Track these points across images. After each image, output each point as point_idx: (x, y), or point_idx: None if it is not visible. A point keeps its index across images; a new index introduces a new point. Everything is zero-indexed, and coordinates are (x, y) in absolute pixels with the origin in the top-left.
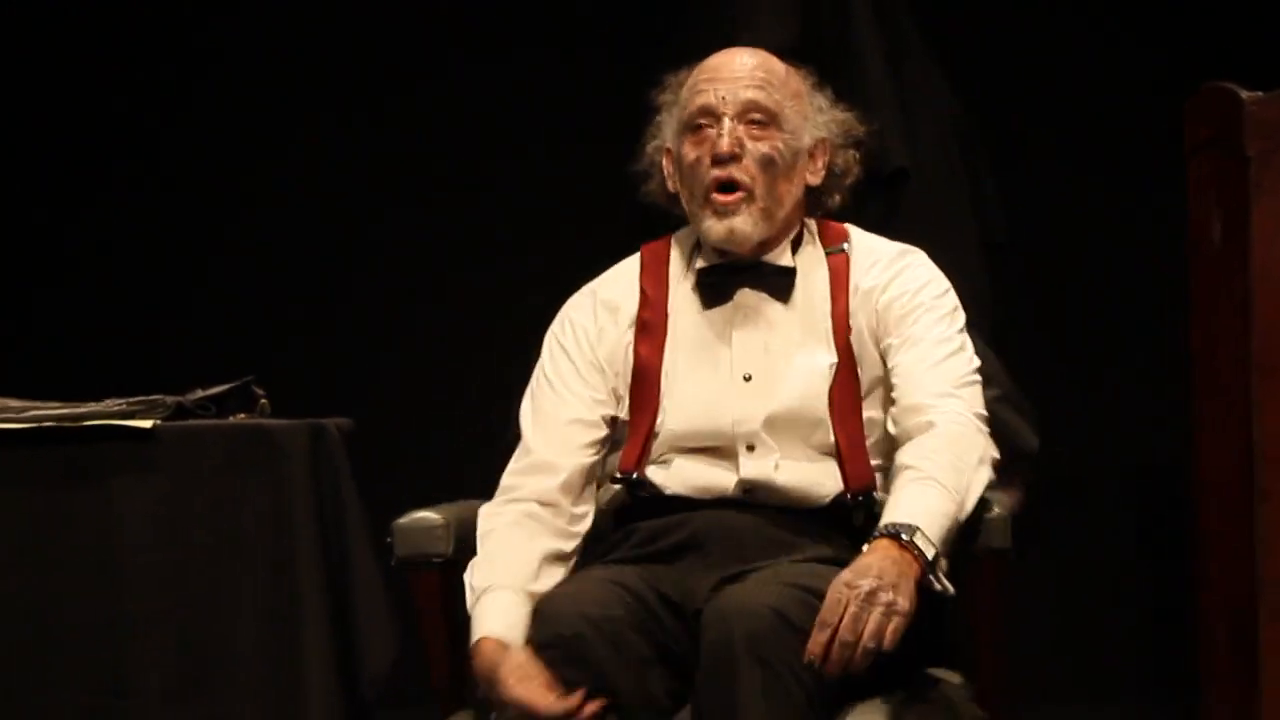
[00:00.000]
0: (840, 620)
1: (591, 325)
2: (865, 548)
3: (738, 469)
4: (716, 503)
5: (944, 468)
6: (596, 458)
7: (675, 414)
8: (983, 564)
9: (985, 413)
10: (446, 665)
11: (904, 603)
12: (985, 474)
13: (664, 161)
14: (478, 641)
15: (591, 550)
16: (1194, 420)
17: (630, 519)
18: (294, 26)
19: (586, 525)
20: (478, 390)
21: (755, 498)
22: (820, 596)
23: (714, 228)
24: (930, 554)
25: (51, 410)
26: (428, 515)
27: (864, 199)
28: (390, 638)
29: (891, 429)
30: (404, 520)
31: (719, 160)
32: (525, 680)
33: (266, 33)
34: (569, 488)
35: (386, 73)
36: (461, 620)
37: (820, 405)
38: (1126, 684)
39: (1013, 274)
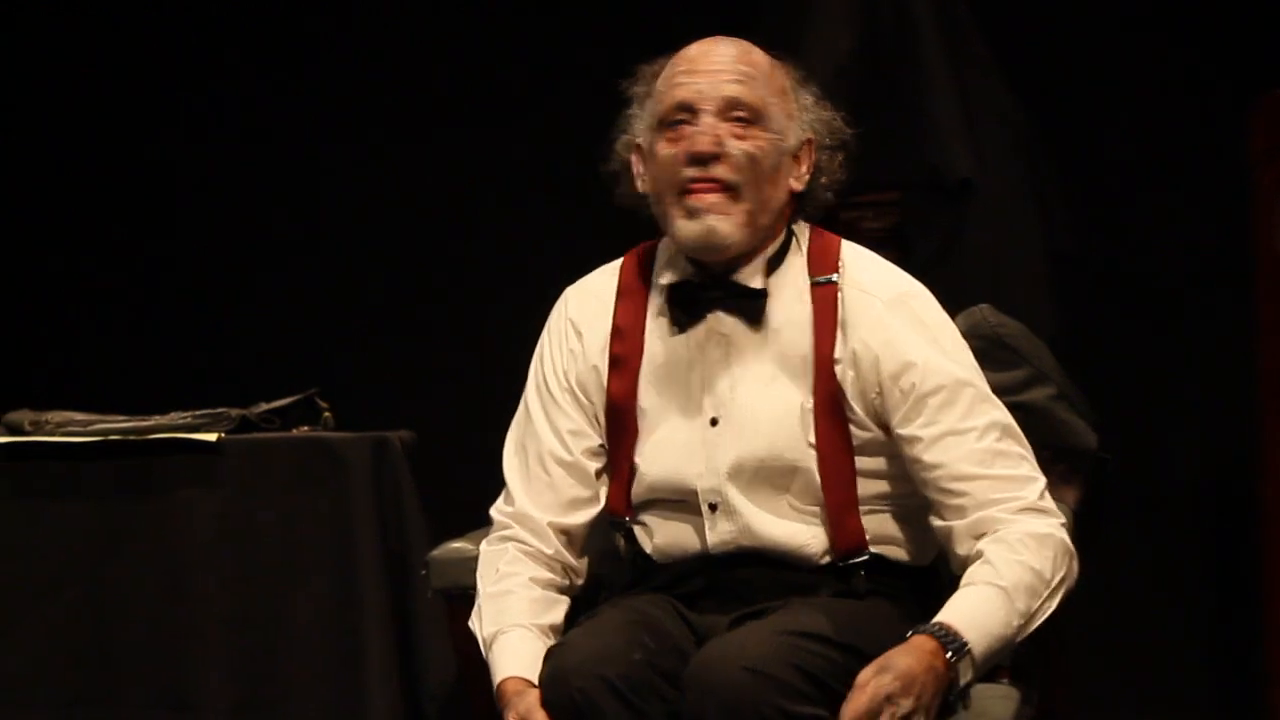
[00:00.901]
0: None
1: (561, 352)
2: (910, 636)
3: (702, 532)
4: (711, 559)
5: (1021, 586)
6: (583, 514)
7: (648, 460)
8: None
9: (1060, 515)
10: (486, 695)
11: (900, 705)
12: (1057, 601)
13: (633, 159)
14: (500, 684)
15: (612, 575)
16: (1260, 431)
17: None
18: (351, 41)
19: (584, 564)
20: None
21: (738, 558)
22: (817, 640)
23: (688, 228)
24: (966, 679)
25: (117, 423)
26: (463, 546)
27: (931, 211)
28: (451, 652)
29: (940, 522)
30: (438, 552)
31: (698, 160)
32: None
33: (327, 47)
34: (558, 540)
35: (447, 90)
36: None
37: (796, 451)
38: (1189, 698)
39: (1078, 280)
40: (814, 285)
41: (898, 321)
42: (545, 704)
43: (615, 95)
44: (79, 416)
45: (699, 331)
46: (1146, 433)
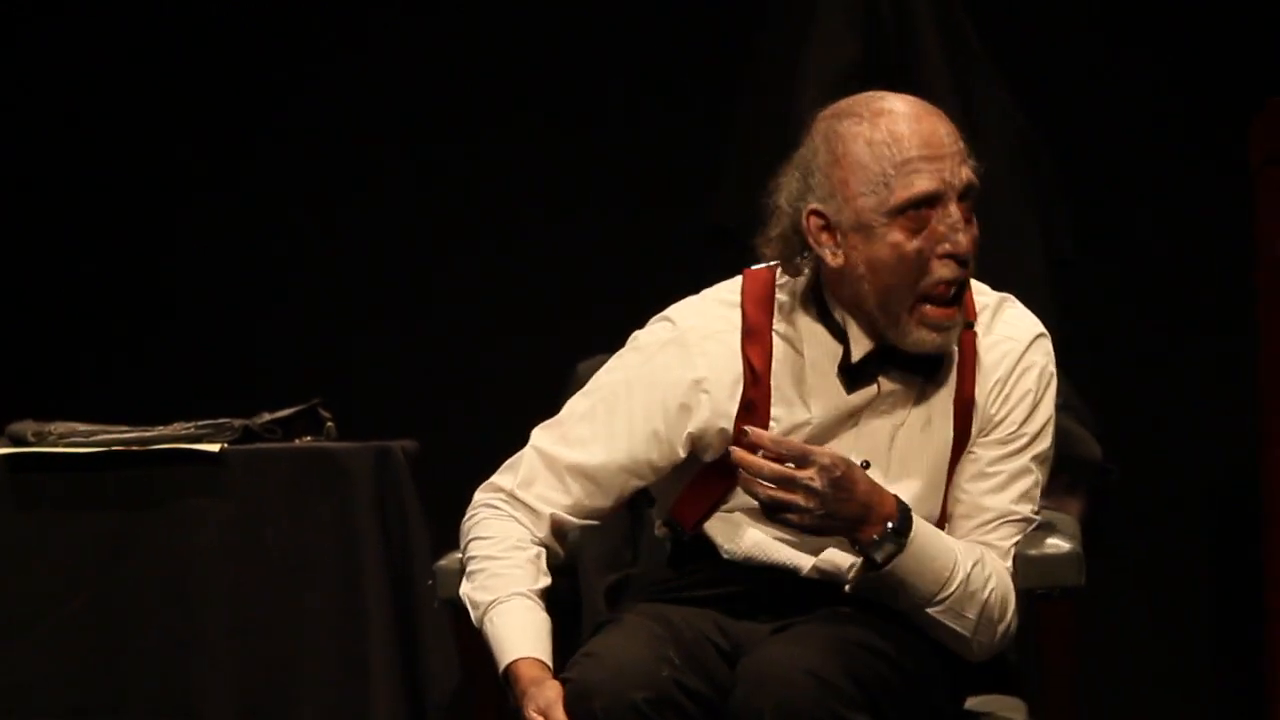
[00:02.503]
0: (791, 486)
1: (665, 398)
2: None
3: (815, 549)
4: (775, 571)
5: (978, 595)
6: (587, 520)
7: (746, 524)
8: (1055, 603)
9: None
10: (493, 705)
11: (808, 503)
12: (989, 640)
13: (810, 224)
14: (511, 665)
15: (641, 580)
16: (1263, 437)
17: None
18: (357, 47)
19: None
20: (544, 413)
21: (826, 580)
22: (867, 651)
23: (927, 339)
24: (881, 557)
25: (120, 434)
26: None
27: None
28: (455, 662)
29: None
30: (444, 562)
31: (958, 259)
32: None
33: (333, 53)
34: (551, 530)
35: (452, 105)
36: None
37: (937, 495)
38: (1192, 709)
39: (1079, 287)
40: (962, 335)
41: (1024, 368)
42: (567, 713)
43: (620, 100)
44: (82, 427)
45: (867, 391)
46: (1147, 436)
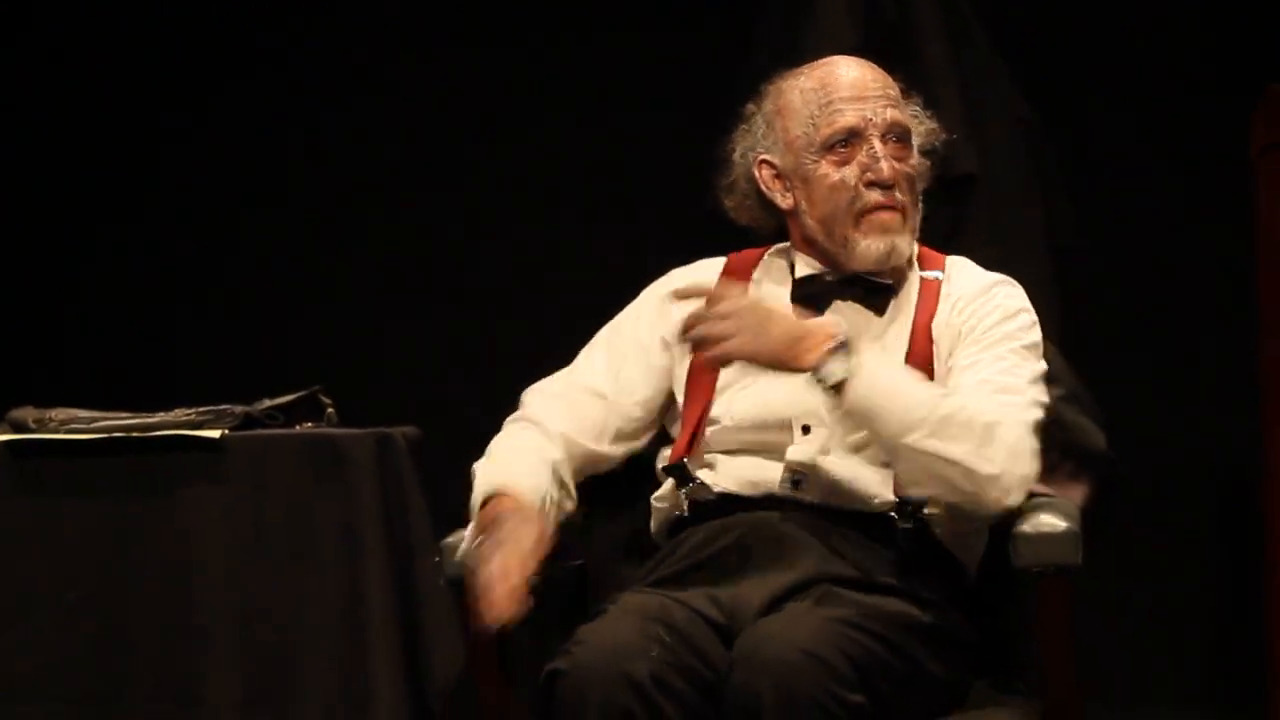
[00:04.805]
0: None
1: (651, 313)
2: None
3: (775, 470)
4: (764, 502)
5: (955, 408)
6: (597, 444)
7: (735, 403)
8: (1051, 580)
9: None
10: (496, 686)
11: (749, 345)
12: (1004, 462)
13: (760, 174)
14: (493, 496)
15: (635, 567)
16: (1264, 425)
17: (677, 531)
18: (355, 37)
19: (574, 502)
20: None
21: (802, 491)
22: (860, 630)
23: (874, 247)
24: (834, 379)
25: (120, 420)
26: None
27: (932, 205)
28: (457, 648)
29: None
30: (452, 539)
31: (881, 185)
32: (503, 578)
33: (331, 43)
34: (564, 449)
35: (452, 85)
36: (512, 640)
37: None
38: (1193, 693)
39: (1081, 277)
40: (923, 280)
41: (993, 290)
42: (561, 703)
43: (621, 95)
44: (82, 414)
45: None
46: (1148, 428)
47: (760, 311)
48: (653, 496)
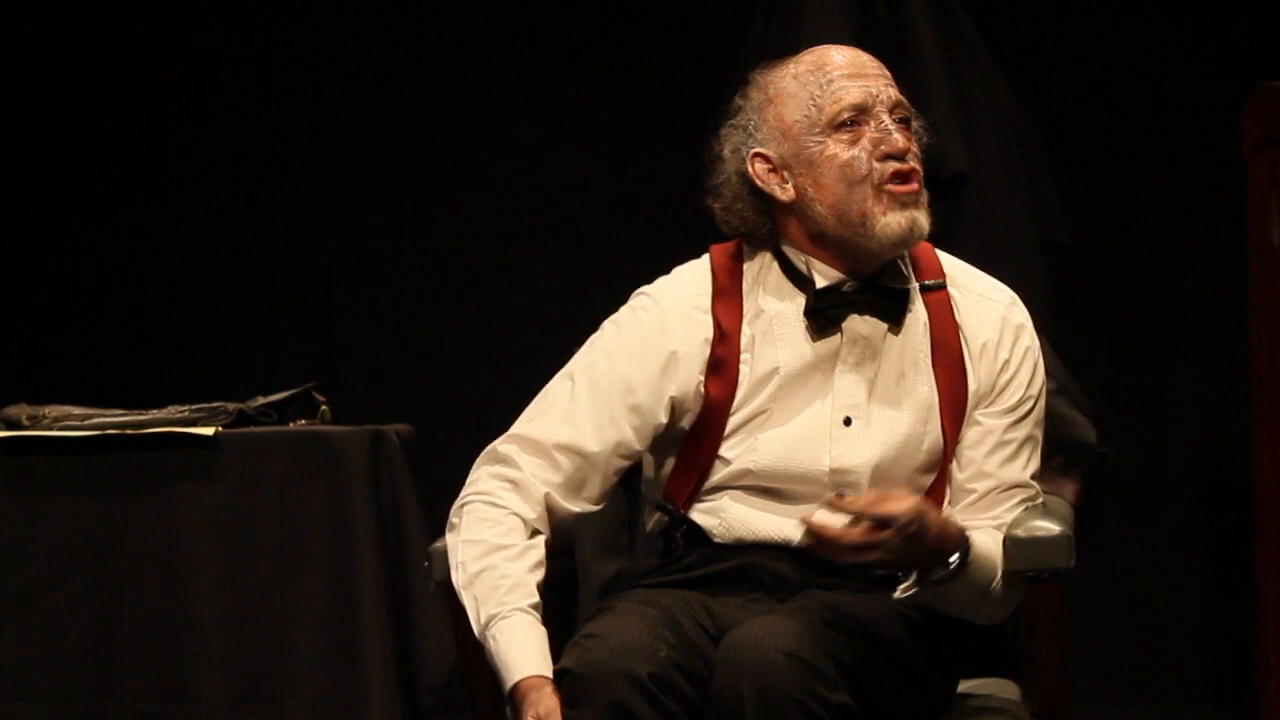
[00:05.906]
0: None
1: (643, 363)
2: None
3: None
4: (772, 545)
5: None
6: (579, 505)
7: (759, 448)
8: (1045, 583)
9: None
10: (488, 689)
11: (884, 557)
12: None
13: (754, 169)
14: (517, 685)
15: (623, 559)
16: (1255, 422)
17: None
18: (351, 36)
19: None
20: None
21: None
22: (844, 631)
23: (896, 220)
24: (934, 579)
25: (114, 417)
26: None
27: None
28: (448, 646)
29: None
30: (440, 544)
31: (896, 156)
32: None
33: (327, 43)
34: (540, 517)
35: (445, 85)
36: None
37: (925, 448)
38: (1183, 689)
39: (1072, 275)
40: (923, 289)
41: (1015, 329)
42: (569, 700)
43: (613, 94)
44: (76, 411)
45: (833, 339)
46: (1140, 424)
47: (916, 539)
48: (647, 503)
